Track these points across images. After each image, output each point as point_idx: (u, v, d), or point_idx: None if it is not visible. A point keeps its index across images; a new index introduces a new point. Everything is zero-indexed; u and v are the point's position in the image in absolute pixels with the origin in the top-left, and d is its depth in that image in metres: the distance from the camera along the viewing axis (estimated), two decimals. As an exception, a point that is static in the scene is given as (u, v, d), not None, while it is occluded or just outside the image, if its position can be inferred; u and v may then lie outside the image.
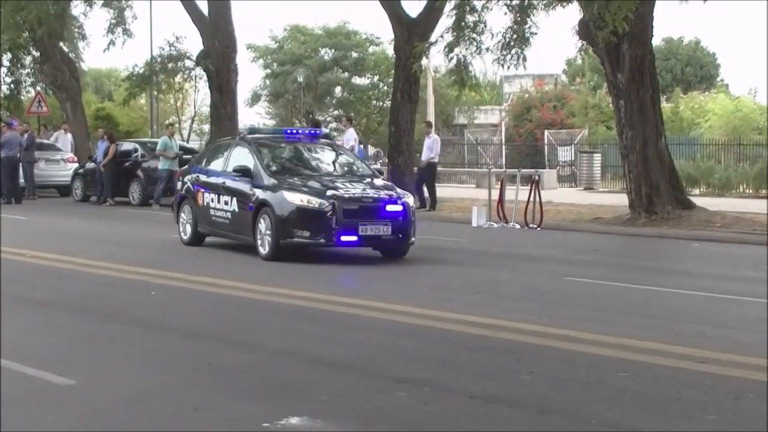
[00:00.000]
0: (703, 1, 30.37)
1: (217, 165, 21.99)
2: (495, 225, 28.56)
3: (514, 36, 32.91)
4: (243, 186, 20.23)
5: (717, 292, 16.42)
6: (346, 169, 22.11)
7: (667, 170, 29.78)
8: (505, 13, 33.52)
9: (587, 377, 10.34)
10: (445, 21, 35.75)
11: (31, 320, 13.15)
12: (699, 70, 65.99)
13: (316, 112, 57.35)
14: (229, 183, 20.70)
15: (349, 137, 36.18)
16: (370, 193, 19.83)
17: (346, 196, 19.28)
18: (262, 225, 19.30)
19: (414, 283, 17.41)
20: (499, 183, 30.84)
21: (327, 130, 35.87)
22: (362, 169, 22.28)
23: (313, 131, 25.00)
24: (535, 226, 27.99)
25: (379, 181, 21.35)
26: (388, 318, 13.55)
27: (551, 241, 25.50)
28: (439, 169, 49.07)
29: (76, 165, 39.05)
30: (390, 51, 46.24)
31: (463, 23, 34.71)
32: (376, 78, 64.54)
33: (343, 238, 19.10)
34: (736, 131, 47.81)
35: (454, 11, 34.98)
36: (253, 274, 17.63)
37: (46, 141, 42.58)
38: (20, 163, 36.08)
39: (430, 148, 35.05)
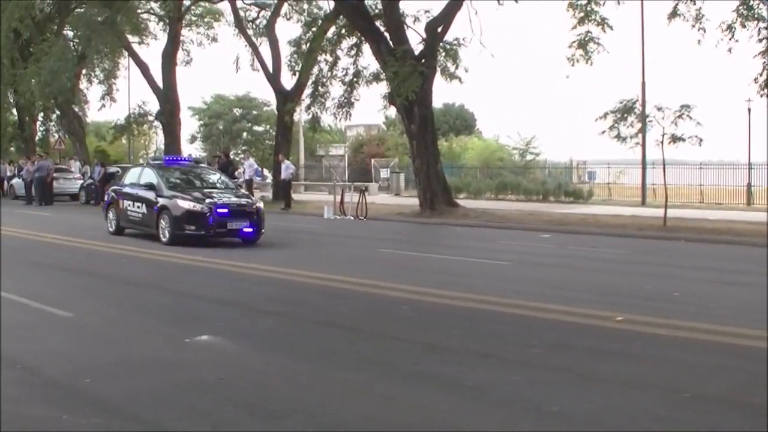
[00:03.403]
0: (460, 82, 31.12)
1: (132, 181, 20.21)
2: (338, 217, 28.61)
3: (344, 100, 33.43)
4: (149, 195, 18.77)
5: (468, 257, 16.72)
6: (218, 184, 20.13)
7: (441, 183, 30.19)
8: (340, 86, 34.41)
9: (383, 308, 10.37)
10: (306, 91, 36.38)
11: (43, 277, 12.81)
12: (464, 122, 66.60)
13: (230, 147, 56.30)
14: (141, 193, 19.18)
15: (251, 162, 36.04)
16: (234, 200, 18.39)
17: (219, 202, 17.99)
18: (163, 222, 18.04)
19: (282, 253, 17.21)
20: (341, 191, 30.78)
21: (197, 157, 35.35)
22: (228, 184, 20.50)
23: (186, 158, 24.42)
24: (363, 218, 28.10)
25: (240, 192, 20.10)
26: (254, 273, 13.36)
27: (373, 226, 25.48)
28: (305, 182, 49.16)
29: (82, 181, 38.17)
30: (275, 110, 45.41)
31: (316, 93, 35.46)
32: (267, 126, 63.50)
33: (218, 230, 17.80)
34: (485, 160, 48.70)
35: (312, 85, 36.51)
36: (162, 248, 16.99)
37: (63, 166, 42.00)
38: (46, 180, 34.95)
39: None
